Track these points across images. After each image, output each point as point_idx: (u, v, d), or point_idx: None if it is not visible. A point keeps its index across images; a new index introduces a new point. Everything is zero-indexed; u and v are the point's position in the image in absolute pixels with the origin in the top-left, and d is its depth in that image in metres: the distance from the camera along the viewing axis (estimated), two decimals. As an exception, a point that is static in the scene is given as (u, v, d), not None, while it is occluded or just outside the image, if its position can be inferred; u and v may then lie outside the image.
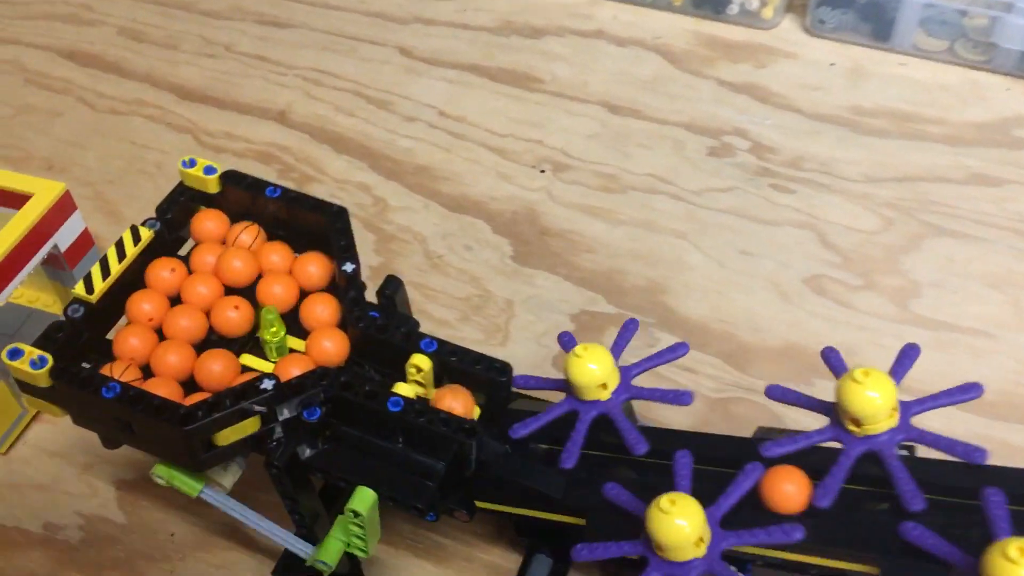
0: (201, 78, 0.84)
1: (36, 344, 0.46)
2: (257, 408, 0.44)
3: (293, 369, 0.48)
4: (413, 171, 0.75)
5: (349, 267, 0.49)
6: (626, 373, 0.49)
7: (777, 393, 0.46)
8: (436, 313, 0.66)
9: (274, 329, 0.48)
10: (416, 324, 0.52)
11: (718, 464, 0.46)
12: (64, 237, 0.60)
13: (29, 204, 0.58)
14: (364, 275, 0.67)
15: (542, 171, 0.75)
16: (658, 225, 0.71)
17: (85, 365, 0.48)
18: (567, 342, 0.50)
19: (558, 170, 0.75)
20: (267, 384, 0.44)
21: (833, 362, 0.45)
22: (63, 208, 0.60)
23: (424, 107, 0.80)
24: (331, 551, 0.47)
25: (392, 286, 0.52)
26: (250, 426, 0.45)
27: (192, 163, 0.54)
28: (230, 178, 0.53)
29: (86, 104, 0.82)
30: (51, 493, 0.57)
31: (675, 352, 0.49)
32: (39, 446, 0.60)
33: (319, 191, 0.74)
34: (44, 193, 0.59)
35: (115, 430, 0.46)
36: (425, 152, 0.77)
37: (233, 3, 0.91)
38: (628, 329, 0.51)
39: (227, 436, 0.45)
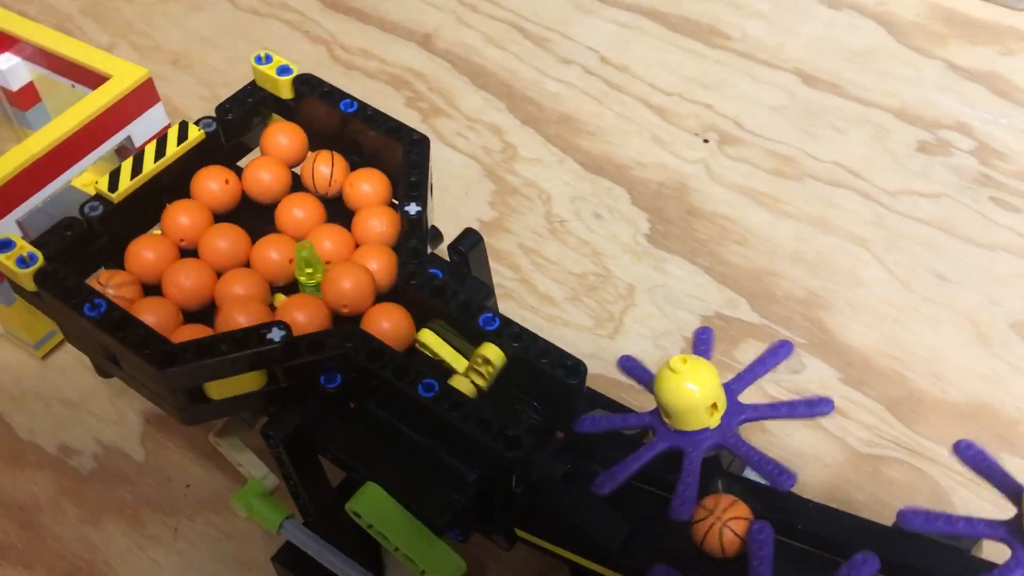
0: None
1: (37, 239, 0.39)
2: (255, 362, 0.36)
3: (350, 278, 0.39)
4: (555, 119, 0.65)
5: (413, 209, 0.40)
6: (729, 390, 0.37)
7: (970, 454, 0.33)
8: (542, 286, 0.55)
9: (309, 270, 0.39)
10: (489, 293, 0.42)
11: (822, 546, 0.34)
12: (141, 128, 0.53)
13: (105, 86, 0.52)
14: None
15: (705, 141, 0.63)
16: (835, 225, 0.57)
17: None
18: (632, 367, 0.38)
19: (725, 142, 0.62)
20: (275, 334, 0.36)
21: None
22: (143, 97, 0.53)
23: (585, 50, 0.70)
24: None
25: (468, 241, 0.42)
26: (251, 382, 0.37)
27: (267, 59, 0.45)
28: (305, 83, 0.45)
29: (229, 0, 0.76)
30: (77, 412, 0.51)
31: (778, 355, 0.36)
32: (80, 357, 0.54)
33: (445, 127, 0.65)
34: (123, 77, 0.52)
35: (102, 357, 0.38)
36: (573, 100, 0.66)
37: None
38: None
39: (222, 389, 0.37)
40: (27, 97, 0.58)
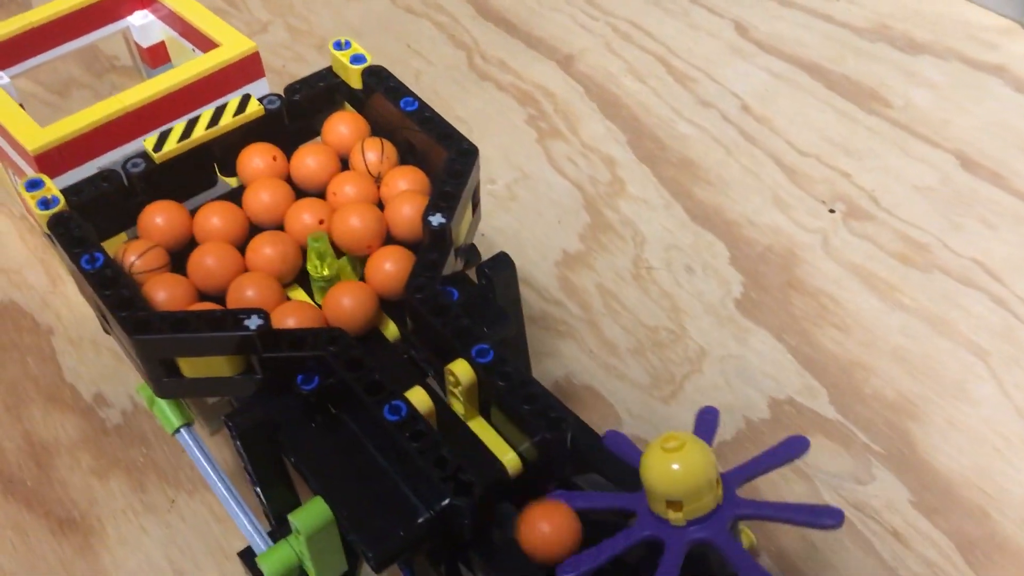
0: (642, 12, 0.75)
1: (72, 185, 0.40)
2: (229, 345, 0.34)
3: (345, 300, 0.37)
4: (676, 162, 0.61)
5: (437, 220, 0.37)
6: (727, 481, 0.32)
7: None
8: (608, 332, 0.51)
9: (316, 263, 0.37)
10: (506, 323, 0.39)
11: None
12: (244, 100, 0.53)
13: (211, 53, 0.52)
14: (552, 259, 0.55)
15: (831, 211, 0.57)
16: (954, 329, 0.50)
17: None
18: (617, 441, 0.34)
19: (852, 215, 0.56)
20: (252, 321, 0.34)
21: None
22: (247, 69, 0.53)
23: (728, 95, 0.65)
24: (273, 559, 0.36)
25: (497, 266, 0.39)
26: (224, 366, 0.35)
27: (346, 45, 0.44)
28: (373, 75, 0.43)
29: (390, -3, 0.76)
30: (122, 366, 0.52)
31: (791, 450, 0.32)
32: (143, 313, 0.54)
33: (558, 150, 0.62)
34: (231, 47, 0.52)
35: (98, 314, 0.38)
36: (701, 145, 0.62)
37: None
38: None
39: (194, 367, 0.35)
40: (157, 55, 0.60)
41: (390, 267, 0.38)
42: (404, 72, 0.69)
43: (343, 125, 0.43)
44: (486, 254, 0.56)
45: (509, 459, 0.34)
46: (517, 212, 0.58)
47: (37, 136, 0.48)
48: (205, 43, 0.55)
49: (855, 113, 0.63)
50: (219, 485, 0.38)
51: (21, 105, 0.56)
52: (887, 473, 0.45)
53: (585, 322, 0.52)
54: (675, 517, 0.31)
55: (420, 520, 0.32)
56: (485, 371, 0.34)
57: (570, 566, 0.31)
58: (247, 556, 0.41)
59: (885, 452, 0.45)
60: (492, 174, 0.61)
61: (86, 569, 0.44)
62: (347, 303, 0.36)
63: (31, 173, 0.50)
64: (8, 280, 0.57)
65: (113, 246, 0.40)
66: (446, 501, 0.31)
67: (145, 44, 0.59)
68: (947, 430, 0.46)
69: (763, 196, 0.58)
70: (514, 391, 0.33)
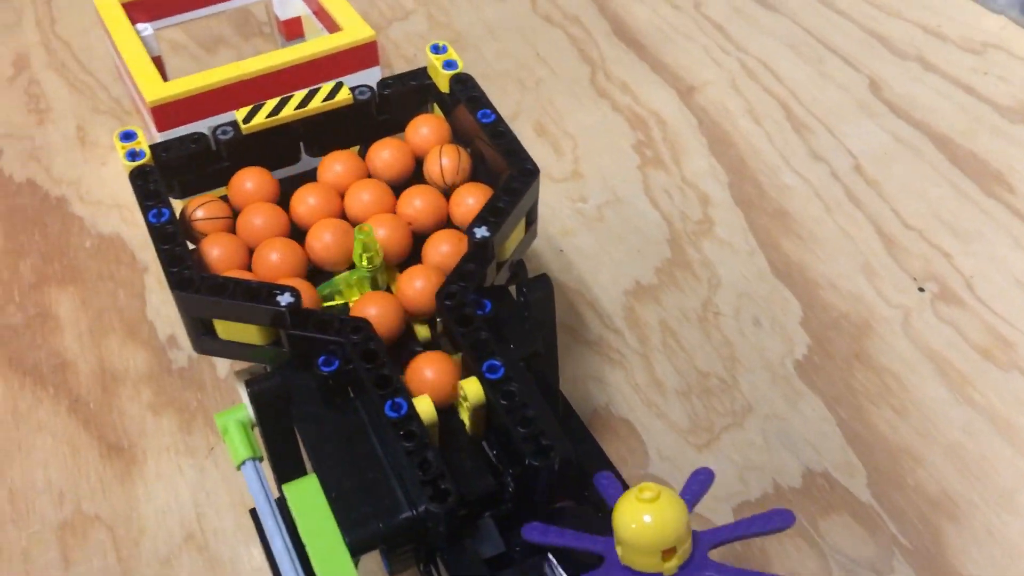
0: (647, 21, 0.75)
1: (162, 143, 0.42)
2: (259, 316, 0.36)
3: (370, 309, 0.38)
4: (771, 211, 0.60)
5: (480, 232, 0.38)
6: (701, 540, 0.32)
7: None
8: (659, 369, 0.51)
9: (361, 253, 0.39)
10: (534, 341, 0.39)
11: None
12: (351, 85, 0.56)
13: (332, 35, 0.55)
14: (623, 286, 0.55)
15: (921, 289, 0.55)
16: (1019, 436, 0.48)
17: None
18: (605, 484, 0.34)
19: (942, 298, 0.54)
20: (284, 299, 0.36)
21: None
22: (362, 56, 0.55)
23: (843, 152, 0.63)
24: None
25: (535, 286, 0.39)
26: (255, 334, 0.37)
27: (443, 50, 0.45)
28: (460, 82, 0.44)
29: (534, 1, 0.77)
30: (199, 312, 0.55)
31: (772, 522, 0.32)
32: (229, 267, 0.57)
33: (656, 180, 0.62)
34: (351, 32, 0.55)
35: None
36: (802, 199, 0.60)
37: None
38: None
39: (228, 331, 0.37)
40: (292, 29, 0.63)
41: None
42: (526, 78, 0.70)
43: (425, 127, 0.45)
44: (561, 270, 0.56)
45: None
46: (601, 234, 0.58)
47: (158, 89, 0.51)
48: (332, 25, 0.57)
49: (973, 193, 0.60)
50: (274, 528, 0.39)
51: (159, 58, 0.60)
52: (908, 569, 0.43)
53: (639, 355, 0.52)
54: (648, 563, 0.31)
55: (400, 517, 0.34)
56: (491, 387, 0.35)
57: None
58: (256, 515, 0.43)
59: (912, 547, 0.44)
60: (586, 193, 0.61)
61: (121, 494, 0.47)
62: (418, 284, 0.38)
63: (151, 123, 0.53)
64: (121, 216, 0.61)
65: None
66: (423, 505, 0.32)
67: (283, 16, 0.62)
68: (984, 538, 0.44)
69: (853, 261, 0.56)
70: (512, 411, 0.34)
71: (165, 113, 0.51)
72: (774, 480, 0.47)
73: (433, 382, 0.36)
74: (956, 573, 0.43)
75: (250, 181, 0.42)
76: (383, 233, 0.40)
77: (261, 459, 0.39)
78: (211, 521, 0.46)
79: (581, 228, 0.59)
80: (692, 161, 0.63)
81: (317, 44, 0.54)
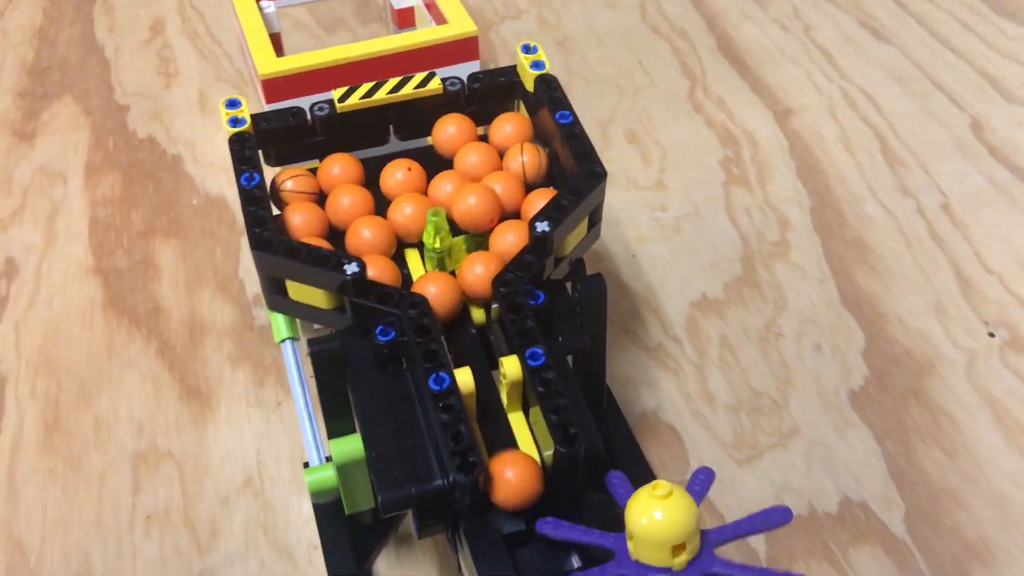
0: (755, 41, 0.75)
1: (264, 113, 0.46)
2: (326, 281, 0.39)
3: (430, 288, 0.40)
4: (850, 240, 0.60)
5: (541, 227, 0.40)
6: (707, 538, 0.33)
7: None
8: (712, 382, 0.52)
9: (431, 234, 0.41)
10: (580, 337, 0.41)
11: None
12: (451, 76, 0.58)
13: (436, 28, 0.57)
14: (689, 298, 0.56)
15: (991, 334, 0.54)
16: (1072, 493, 0.47)
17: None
18: (616, 484, 0.35)
19: (1012, 347, 0.53)
20: (350, 268, 0.38)
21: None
22: (463, 50, 0.58)
23: (933, 190, 0.63)
24: (316, 476, 0.40)
25: (588, 285, 0.41)
26: (321, 298, 0.40)
27: (533, 50, 0.48)
28: (544, 83, 0.46)
29: (644, 11, 0.79)
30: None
31: (771, 519, 0.34)
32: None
33: (739, 198, 0.62)
34: (455, 26, 0.57)
35: (249, 226, 0.44)
36: (882, 231, 0.60)
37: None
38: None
39: (297, 292, 0.40)
40: (405, 19, 0.66)
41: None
42: (626, 85, 0.71)
43: (509, 124, 0.47)
44: (630, 276, 0.58)
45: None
46: (675, 245, 0.60)
47: (270, 63, 0.55)
48: (439, 17, 0.60)
49: (1063, 244, 0.59)
50: (299, 394, 0.43)
51: (278, 34, 0.63)
52: (931, 608, 0.43)
53: (695, 366, 0.53)
54: (658, 558, 0.33)
55: (432, 484, 0.36)
56: (531, 373, 0.37)
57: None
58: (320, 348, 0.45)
59: (939, 587, 0.44)
60: (667, 203, 0.62)
61: (192, 434, 0.51)
62: (479, 270, 0.40)
63: (261, 94, 0.57)
64: (227, 179, 0.65)
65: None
66: (451, 475, 0.35)
67: (397, 5, 0.65)
68: (1016, 589, 0.44)
69: (925, 299, 0.56)
70: (547, 399, 0.36)
71: (274, 86, 0.55)
72: (810, 503, 0.47)
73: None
74: (980, 619, 0.43)
75: (338, 166, 0.45)
76: (473, 201, 0.43)
77: (297, 339, 0.44)
78: (270, 470, 0.49)
79: (657, 237, 0.60)
80: (777, 183, 0.64)
81: (421, 35, 0.57)
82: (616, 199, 0.63)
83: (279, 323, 0.44)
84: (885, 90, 0.70)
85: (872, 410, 0.51)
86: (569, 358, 0.43)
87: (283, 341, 0.44)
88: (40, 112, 0.70)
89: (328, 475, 0.40)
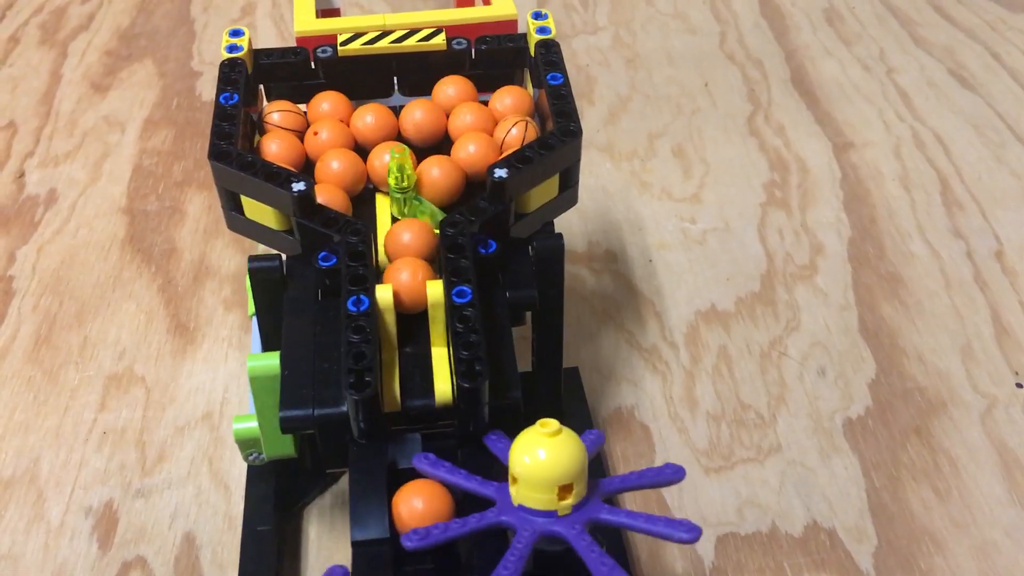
0: (831, 77, 0.72)
1: (265, 49, 0.46)
2: (274, 198, 0.38)
3: (403, 235, 0.39)
4: (884, 275, 0.56)
5: (498, 173, 0.38)
6: (597, 487, 0.32)
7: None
8: (700, 389, 0.49)
9: (397, 175, 0.40)
10: (529, 295, 0.39)
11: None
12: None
13: (476, 8, 0.57)
14: (696, 307, 0.53)
15: (1019, 385, 0.49)
16: (1077, 559, 0.42)
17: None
18: (494, 441, 0.33)
19: (1039, 399, 0.48)
20: (296, 186, 0.38)
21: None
22: (501, 32, 0.57)
23: (988, 235, 0.58)
24: (246, 427, 0.40)
25: (547, 244, 0.40)
26: (272, 218, 0.40)
27: (543, 17, 0.47)
28: (543, 46, 0.45)
29: (724, 38, 0.77)
30: (300, 236, 0.59)
31: (663, 474, 0.33)
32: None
33: (774, 219, 0.59)
34: (496, 8, 0.57)
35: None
36: (922, 269, 0.56)
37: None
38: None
39: (251, 210, 0.40)
40: (465, 4, 0.67)
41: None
42: (685, 105, 0.70)
43: (510, 96, 0.46)
44: (641, 279, 0.56)
45: (441, 389, 0.35)
46: (695, 255, 0.57)
47: (307, 23, 0.56)
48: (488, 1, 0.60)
49: (1124, 306, 0.53)
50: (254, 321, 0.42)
51: (337, 9, 0.65)
52: (883, 650, 0.39)
53: (685, 371, 0.50)
54: (542, 500, 0.31)
55: (336, 409, 0.35)
56: (452, 308, 0.35)
57: (415, 536, 0.31)
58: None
59: (896, 630, 0.39)
60: (697, 216, 0.60)
61: (170, 365, 0.51)
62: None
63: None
64: (273, 145, 0.66)
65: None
66: (344, 393, 0.33)
67: (457, -7, 0.66)
68: (985, 647, 0.39)
69: (954, 341, 0.52)
70: (461, 335, 0.34)
71: (307, 45, 0.56)
72: (773, 522, 0.43)
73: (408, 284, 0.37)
74: (936, 670, 0.38)
75: (327, 102, 0.45)
76: (419, 115, 0.43)
77: None
78: (231, 407, 0.49)
79: (679, 246, 0.58)
80: (819, 210, 0.60)
81: (460, 12, 0.57)
82: (646, 206, 0.61)
83: (250, 298, 0.44)
84: (959, 135, 0.66)
85: (865, 441, 0.47)
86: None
87: (253, 316, 0.44)
88: (119, 70, 0.74)
89: (254, 426, 0.40)
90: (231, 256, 0.57)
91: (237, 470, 0.46)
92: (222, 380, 0.50)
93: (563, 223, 0.59)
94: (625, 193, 0.62)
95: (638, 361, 0.51)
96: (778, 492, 0.45)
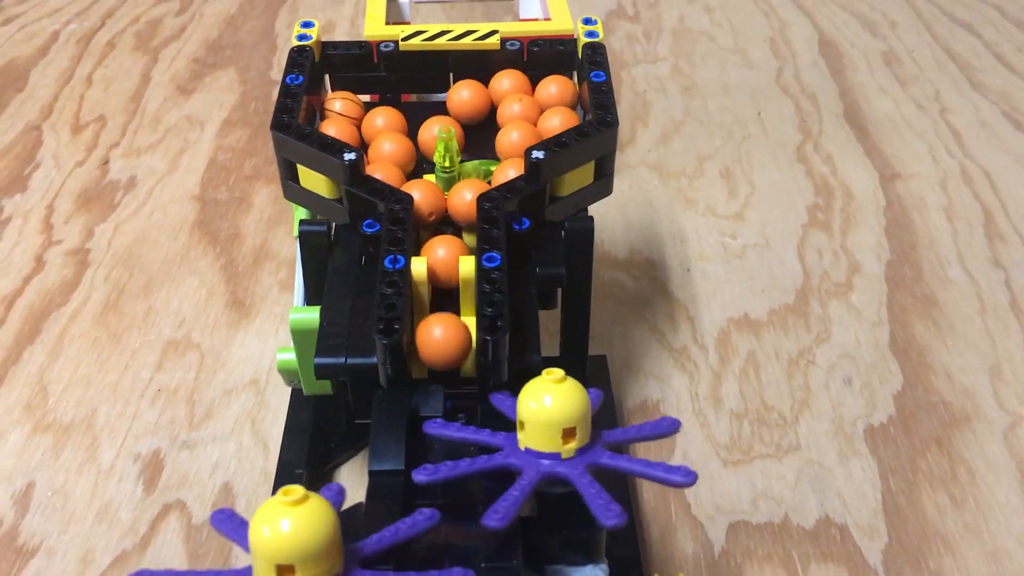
0: (884, 113, 0.73)
1: (333, 42, 0.50)
2: (326, 166, 0.41)
3: (466, 194, 0.42)
4: (919, 295, 0.56)
5: (535, 154, 0.41)
6: (600, 437, 0.34)
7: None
8: (725, 389, 0.50)
9: (441, 152, 0.43)
10: (557, 271, 0.41)
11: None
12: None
13: (534, 23, 0.60)
14: (729, 315, 0.55)
15: (1046, 406, 0.49)
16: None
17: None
18: (501, 400, 0.35)
19: (1066, 421, 0.49)
20: (347, 156, 0.41)
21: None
22: (558, 48, 0.60)
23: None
24: (286, 356, 0.42)
25: (578, 224, 0.42)
26: (325, 187, 0.43)
27: (592, 23, 0.50)
28: (590, 48, 0.48)
29: (780, 73, 0.79)
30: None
31: (660, 427, 0.34)
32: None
33: (814, 239, 0.61)
34: (554, 23, 0.60)
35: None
36: (959, 294, 0.56)
37: None
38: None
39: (305, 178, 0.43)
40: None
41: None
42: (737, 131, 0.72)
43: (553, 84, 0.49)
44: (677, 285, 0.58)
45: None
46: (733, 268, 0.59)
47: (377, 28, 0.60)
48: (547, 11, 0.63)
49: None
50: (299, 284, 0.45)
51: (408, 23, 0.69)
52: (884, 639, 0.39)
53: (713, 372, 0.52)
54: (547, 442, 0.33)
55: (367, 359, 0.37)
56: (481, 271, 0.38)
57: (425, 472, 0.32)
58: None
59: (899, 622, 0.40)
60: (739, 232, 0.62)
61: (224, 336, 0.54)
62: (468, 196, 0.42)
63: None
64: (339, 149, 0.70)
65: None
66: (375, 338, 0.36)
67: (522, 15, 0.69)
68: (988, 645, 0.39)
69: (983, 361, 0.52)
70: (487, 294, 0.37)
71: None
72: (786, 513, 0.44)
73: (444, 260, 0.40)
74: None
75: (381, 117, 0.48)
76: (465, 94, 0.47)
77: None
78: (277, 377, 0.52)
79: (717, 258, 0.60)
80: (861, 234, 0.62)
81: (518, 26, 0.60)
82: (689, 220, 0.63)
83: (298, 221, 0.47)
84: (1008, 173, 0.67)
85: (886, 447, 0.48)
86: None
87: (298, 236, 0.47)
88: (204, 76, 0.79)
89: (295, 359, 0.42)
90: (291, 244, 0.61)
91: (276, 431, 0.49)
92: (271, 351, 0.53)
93: (607, 232, 0.62)
94: (670, 208, 0.64)
95: (667, 360, 0.53)
96: (793, 487, 0.46)
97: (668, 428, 0.33)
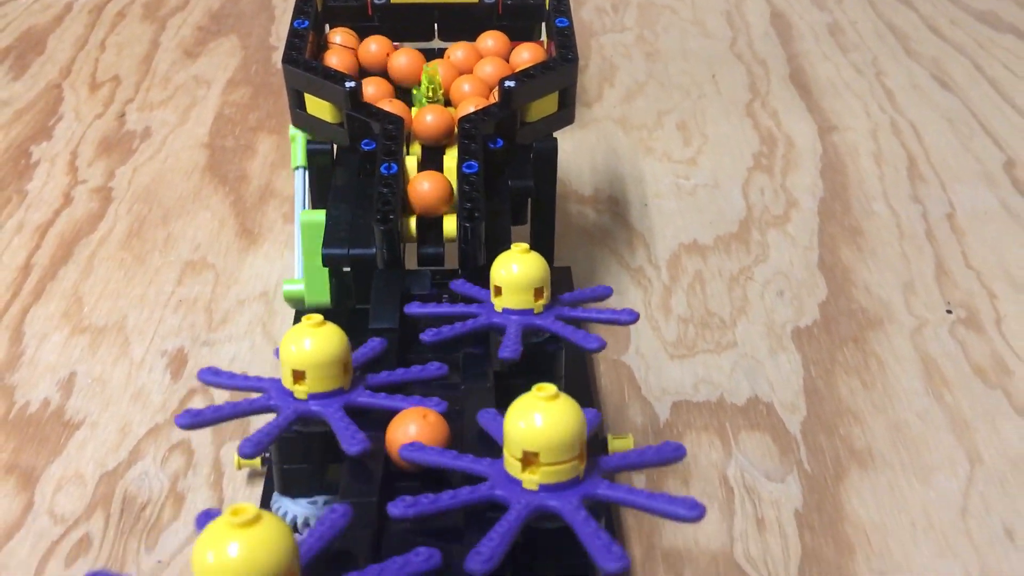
0: (826, 77, 0.81)
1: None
2: (330, 93, 0.49)
3: (427, 116, 0.50)
4: (847, 226, 0.64)
5: (507, 83, 0.49)
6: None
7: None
8: (674, 299, 0.58)
9: (425, 84, 0.51)
10: (525, 183, 0.49)
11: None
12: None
13: None
14: (680, 240, 0.62)
15: (948, 311, 0.57)
16: (973, 434, 0.50)
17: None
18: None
19: (965, 324, 0.56)
20: (348, 84, 0.48)
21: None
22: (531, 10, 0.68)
23: (943, 203, 0.67)
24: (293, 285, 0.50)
25: (544, 144, 0.50)
26: (328, 112, 0.50)
27: None
28: (557, 1, 0.55)
29: (734, 42, 0.87)
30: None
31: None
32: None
33: (757, 180, 0.69)
34: None
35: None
36: (881, 224, 0.65)
37: None
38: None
39: (312, 105, 0.51)
40: None
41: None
42: (693, 91, 0.79)
43: (525, 51, 0.56)
44: (636, 218, 0.66)
45: (448, 228, 0.45)
46: (685, 204, 0.67)
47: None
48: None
49: (1053, 261, 0.62)
50: (299, 213, 0.53)
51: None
52: (798, 486, 0.47)
53: (664, 286, 0.59)
54: (518, 301, 0.40)
55: (366, 249, 0.45)
56: (461, 176, 0.45)
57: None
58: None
59: (811, 473, 0.48)
60: (691, 175, 0.69)
61: (235, 259, 0.61)
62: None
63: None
64: (334, 105, 0.77)
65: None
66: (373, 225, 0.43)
67: None
68: (883, 489, 0.47)
69: (898, 278, 0.60)
70: (466, 193, 0.44)
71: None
72: (721, 394, 0.52)
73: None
74: (839, 503, 0.46)
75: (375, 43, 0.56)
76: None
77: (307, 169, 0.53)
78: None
79: (672, 195, 0.67)
80: (799, 176, 0.69)
81: None
82: (648, 165, 0.70)
83: (296, 154, 0.55)
84: (933, 126, 0.75)
85: (809, 344, 0.55)
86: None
87: (296, 168, 0.54)
88: (209, 42, 0.86)
89: (300, 289, 0.50)
90: (292, 184, 0.68)
91: (284, 332, 0.56)
92: (278, 270, 0.60)
93: (575, 173, 0.69)
94: (632, 155, 0.72)
95: (625, 276, 0.60)
96: (729, 375, 0.53)
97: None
